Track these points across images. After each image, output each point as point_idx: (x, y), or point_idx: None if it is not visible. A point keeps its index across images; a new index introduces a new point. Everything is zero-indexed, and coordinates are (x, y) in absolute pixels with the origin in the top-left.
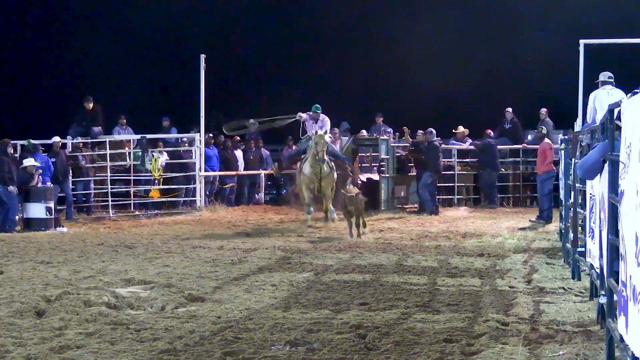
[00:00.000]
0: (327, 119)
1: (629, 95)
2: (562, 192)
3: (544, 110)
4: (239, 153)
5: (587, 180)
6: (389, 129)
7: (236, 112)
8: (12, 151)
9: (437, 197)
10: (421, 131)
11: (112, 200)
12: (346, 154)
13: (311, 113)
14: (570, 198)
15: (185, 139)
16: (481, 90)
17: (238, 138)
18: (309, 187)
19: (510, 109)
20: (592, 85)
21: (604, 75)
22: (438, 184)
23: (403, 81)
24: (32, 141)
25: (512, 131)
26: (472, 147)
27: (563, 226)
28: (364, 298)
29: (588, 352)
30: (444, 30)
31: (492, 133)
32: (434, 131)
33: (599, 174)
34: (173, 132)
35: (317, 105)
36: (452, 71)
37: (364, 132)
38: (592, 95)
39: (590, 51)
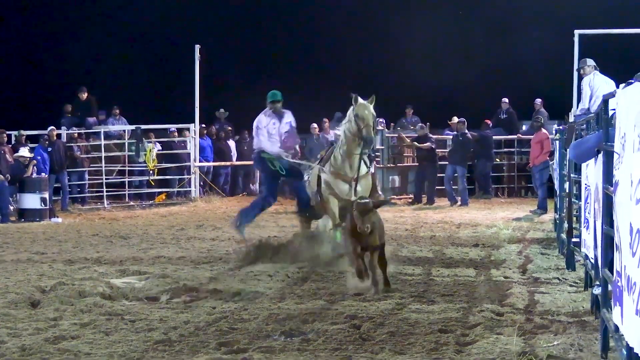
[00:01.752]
0: (289, 114)
1: (623, 85)
2: (556, 182)
3: (538, 100)
4: (232, 143)
5: (582, 171)
6: (382, 120)
7: (231, 102)
8: None
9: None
10: (421, 124)
11: (106, 191)
12: None
13: (268, 106)
14: (565, 188)
15: (173, 129)
16: (476, 81)
17: (230, 128)
18: (337, 193)
19: (506, 100)
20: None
21: (592, 61)
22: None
23: (398, 72)
24: (23, 132)
25: (507, 121)
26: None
27: (558, 216)
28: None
29: (583, 342)
30: (440, 22)
31: (490, 124)
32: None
33: (588, 160)
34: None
35: (276, 91)
36: (446, 62)
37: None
38: (585, 80)
39: (584, 41)
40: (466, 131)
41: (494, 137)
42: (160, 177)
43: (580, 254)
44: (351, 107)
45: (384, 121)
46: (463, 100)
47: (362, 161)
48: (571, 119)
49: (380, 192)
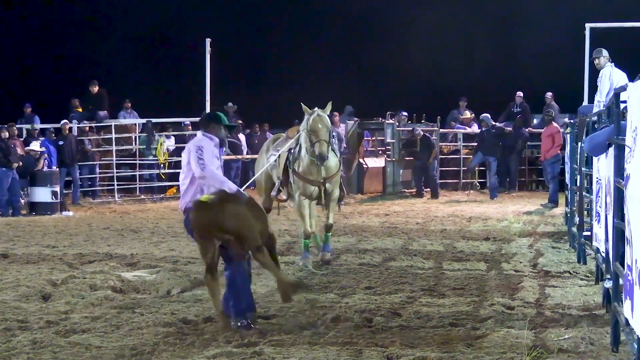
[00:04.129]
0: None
1: (635, 79)
2: (568, 175)
3: (549, 94)
4: (242, 137)
5: (593, 164)
6: (405, 113)
7: (243, 96)
8: (7, 135)
9: (441, 180)
10: (416, 128)
11: (117, 185)
12: (351, 139)
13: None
14: (576, 182)
15: (188, 122)
16: (486, 75)
17: (240, 122)
18: (307, 196)
19: (521, 94)
20: (597, 69)
21: (606, 52)
22: (442, 168)
23: (406, 66)
24: (36, 125)
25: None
26: (478, 130)
27: (569, 210)
28: (369, 282)
29: (593, 336)
30: (450, 16)
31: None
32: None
33: (604, 153)
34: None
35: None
36: (457, 56)
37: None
38: (605, 73)
39: (596, 35)
40: (495, 122)
41: (506, 129)
42: (171, 170)
43: (591, 248)
44: (305, 116)
45: (407, 114)
46: (473, 94)
47: (333, 156)
48: (595, 109)
49: (345, 188)
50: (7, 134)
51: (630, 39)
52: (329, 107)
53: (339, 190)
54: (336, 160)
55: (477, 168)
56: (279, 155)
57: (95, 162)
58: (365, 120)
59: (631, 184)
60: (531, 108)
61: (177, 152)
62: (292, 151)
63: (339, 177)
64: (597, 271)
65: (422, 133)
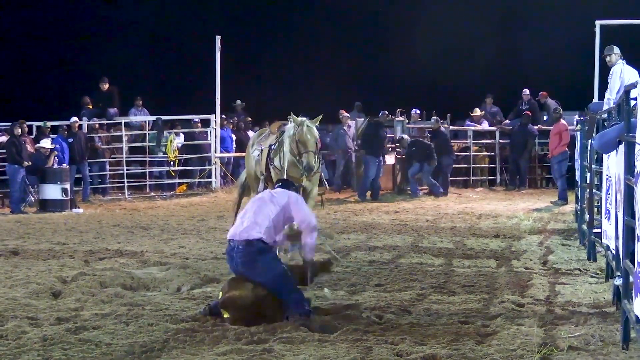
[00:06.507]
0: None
1: None
2: (578, 173)
3: (543, 93)
4: (252, 134)
5: (603, 162)
6: (417, 110)
7: (251, 93)
8: (19, 132)
9: (451, 178)
10: (436, 117)
11: (127, 182)
12: (361, 135)
13: None
14: (587, 179)
15: (197, 120)
16: (494, 73)
17: (250, 119)
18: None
19: (527, 91)
20: (608, 66)
21: (618, 49)
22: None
23: (418, 63)
24: (48, 123)
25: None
26: (490, 128)
27: (579, 207)
28: (379, 279)
29: (604, 333)
30: (459, 14)
31: (530, 115)
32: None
33: (614, 150)
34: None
35: None
36: (465, 54)
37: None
38: (616, 70)
39: (606, 32)
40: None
41: (513, 127)
42: (180, 167)
43: (602, 245)
44: (291, 124)
45: (419, 111)
46: (482, 91)
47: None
48: (605, 106)
49: (325, 184)
50: (19, 131)
51: None
52: (318, 119)
53: (317, 189)
54: (316, 159)
55: (486, 165)
56: (262, 151)
57: (105, 160)
58: (375, 118)
59: None
60: (540, 106)
61: (187, 149)
62: (271, 147)
63: (318, 175)
64: (607, 268)
65: (439, 125)
